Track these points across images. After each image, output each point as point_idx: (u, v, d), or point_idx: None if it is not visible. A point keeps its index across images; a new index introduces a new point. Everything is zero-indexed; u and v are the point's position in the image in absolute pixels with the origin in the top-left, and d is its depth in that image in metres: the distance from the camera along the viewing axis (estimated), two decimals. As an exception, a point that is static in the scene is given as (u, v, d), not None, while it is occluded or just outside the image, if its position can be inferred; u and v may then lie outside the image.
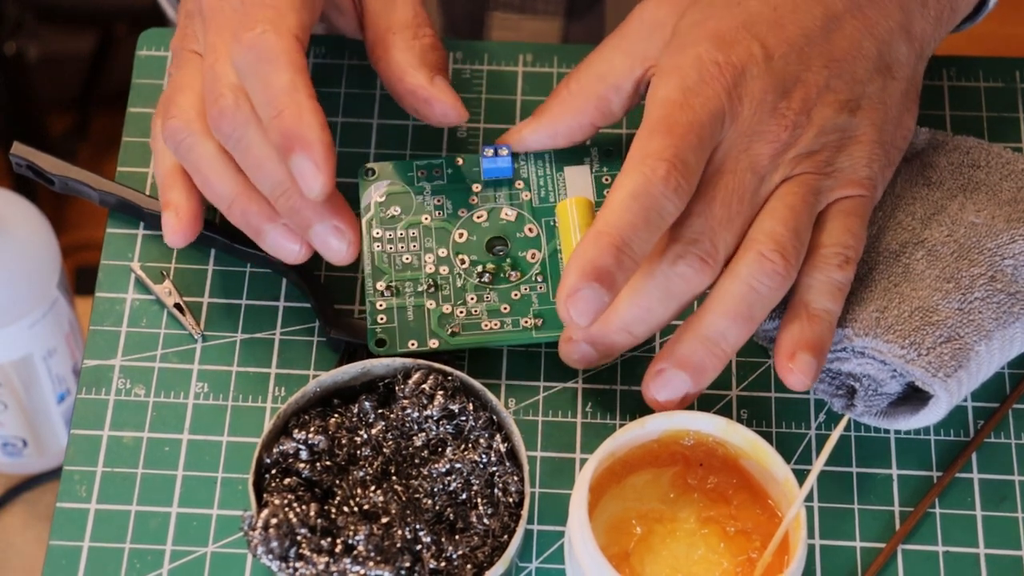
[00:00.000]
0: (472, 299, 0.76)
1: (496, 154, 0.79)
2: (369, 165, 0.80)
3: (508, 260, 0.77)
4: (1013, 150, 0.80)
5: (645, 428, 0.70)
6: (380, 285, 0.76)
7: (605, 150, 0.80)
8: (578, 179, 0.79)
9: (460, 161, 0.80)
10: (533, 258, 0.77)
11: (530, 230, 0.78)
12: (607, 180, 0.79)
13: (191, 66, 0.76)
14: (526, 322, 0.75)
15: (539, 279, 0.76)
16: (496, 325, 0.75)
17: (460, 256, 0.77)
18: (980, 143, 0.80)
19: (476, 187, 0.79)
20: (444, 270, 0.77)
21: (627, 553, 0.69)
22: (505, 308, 0.76)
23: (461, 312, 0.76)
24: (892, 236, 0.76)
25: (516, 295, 0.76)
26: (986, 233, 0.75)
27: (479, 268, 0.77)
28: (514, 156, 0.79)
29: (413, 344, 0.75)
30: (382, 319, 0.76)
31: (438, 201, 0.79)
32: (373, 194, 0.79)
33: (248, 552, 0.72)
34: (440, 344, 0.75)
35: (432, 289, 0.76)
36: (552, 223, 0.78)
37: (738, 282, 0.70)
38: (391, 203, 0.79)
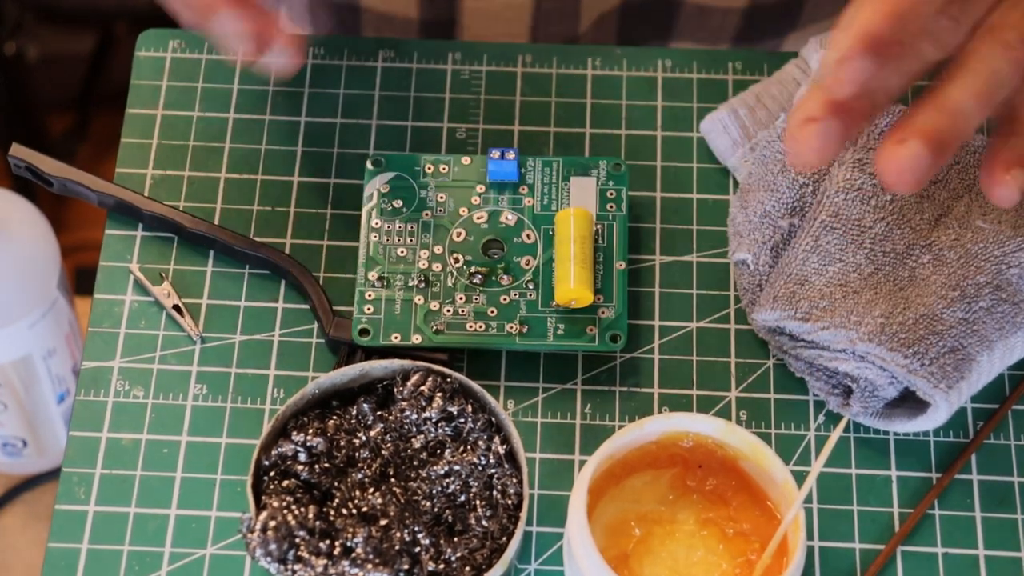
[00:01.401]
0: (461, 299, 0.76)
1: (503, 156, 0.78)
2: (377, 155, 0.80)
3: (502, 264, 0.77)
4: (1013, 151, 0.80)
5: (644, 430, 0.69)
6: (372, 275, 0.77)
7: (613, 163, 0.80)
8: (583, 190, 0.79)
9: (467, 160, 0.80)
10: (527, 264, 0.77)
11: (528, 236, 0.78)
12: (612, 195, 0.79)
13: None
14: (511, 328, 0.75)
15: (530, 286, 0.76)
16: (480, 327, 0.75)
17: (455, 255, 0.77)
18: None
19: (480, 188, 0.79)
20: (437, 267, 0.77)
21: (626, 555, 0.69)
22: (492, 311, 0.76)
23: (448, 311, 0.76)
24: (900, 235, 0.75)
25: (505, 299, 0.76)
26: (993, 239, 0.75)
27: (472, 269, 0.77)
28: (521, 160, 0.79)
29: (396, 337, 0.75)
30: (368, 309, 0.76)
31: (441, 198, 0.79)
32: (377, 184, 0.79)
33: (247, 554, 0.72)
34: (423, 340, 0.75)
35: (422, 285, 0.76)
36: (551, 232, 0.78)
37: (982, 63, 0.67)
38: (394, 195, 0.79)
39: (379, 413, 0.71)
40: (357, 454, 0.70)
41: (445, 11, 0.96)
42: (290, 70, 0.74)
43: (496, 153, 0.79)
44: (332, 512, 0.69)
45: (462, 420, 0.70)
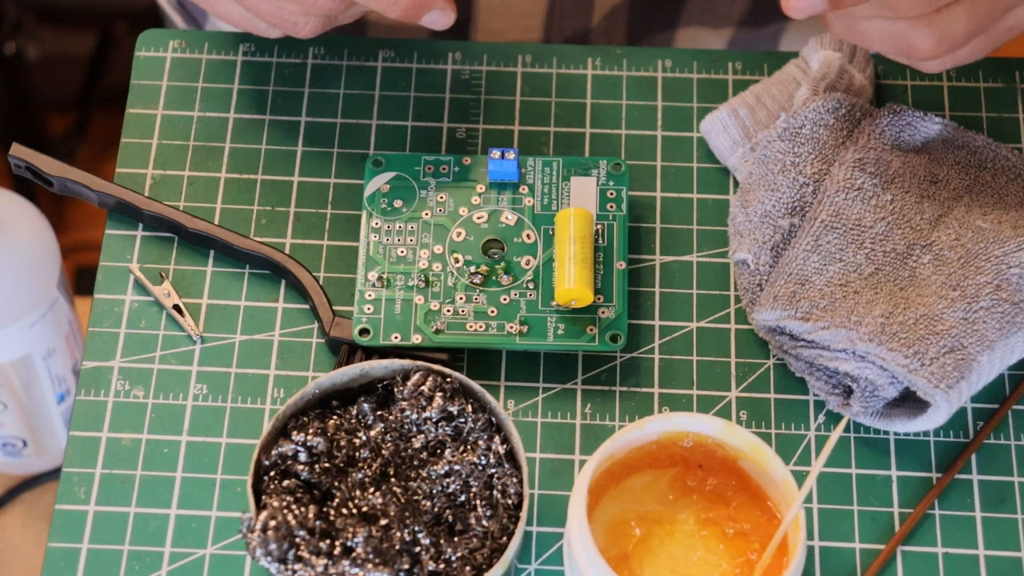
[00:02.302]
0: (461, 299, 0.76)
1: (503, 156, 0.79)
2: (377, 155, 0.80)
3: (502, 264, 0.77)
4: (1014, 150, 0.80)
5: (644, 430, 0.69)
6: (372, 275, 0.77)
7: (613, 163, 0.80)
8: (583, 190, 0.79)
9: (467, 160, 0.80)
10: (527, 264, 0.77)
11: (528, 236, 0.78)
12: (612, 194, 0.79)
13: None
14: (511, 327, 0.75)
15: (530, 286, 0.76)
16: (481, 327, 0.75)
17: (455, 255, 0.77)
18: (988, 142, 0.80)
19: (480, 188, 0.79)
20: (437, 267, 0.77)
21: (626, 555, 0.69)
22: (492, 311, 0.76)
23: (448, 311, 0.76)
24: (900, 235, 0.76)
25: (505, 299, 0.76)
26: (993, 239, 0.75)
27: (472, 268, 0.77)
28: (521, 160, 0.79)
29: (396, 337, 0.75)
30: (368, 309, 0.76)
31: (441, 198, 0.79)
32: (377, 184, 0.79)
33: (247, 554, 0.72)
34: (423, 340, 0.75)
35: (423, 285, 0.76)
36: (551, 232, 0.78)
37: None
38: (394, 195, 0.79)
39: (379, 413, 0.71)
40: (357, 454, 0.70)
41: (459, 11, 0.96)
42: (449, 22, 0.77)
43: (496, 153, 0.79)
44: (332, 512, 0.69)
45: (462, 420, 0.70)
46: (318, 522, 0.68)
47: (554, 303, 0.76)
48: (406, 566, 0.67)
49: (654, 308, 0.78)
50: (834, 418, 0.76)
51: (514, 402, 0.76)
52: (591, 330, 0.75)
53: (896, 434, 0.75)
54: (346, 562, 0.67)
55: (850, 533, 0.73)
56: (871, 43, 0.73)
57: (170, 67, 0.85)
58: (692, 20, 0.98)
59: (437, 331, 0.75)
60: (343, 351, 0.76)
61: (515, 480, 0.69)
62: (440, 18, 0.76)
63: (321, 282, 0.79)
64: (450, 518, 0.69)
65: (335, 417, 0.71)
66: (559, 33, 0.96)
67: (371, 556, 0.67)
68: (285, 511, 0.68)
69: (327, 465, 0.70)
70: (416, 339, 0.75)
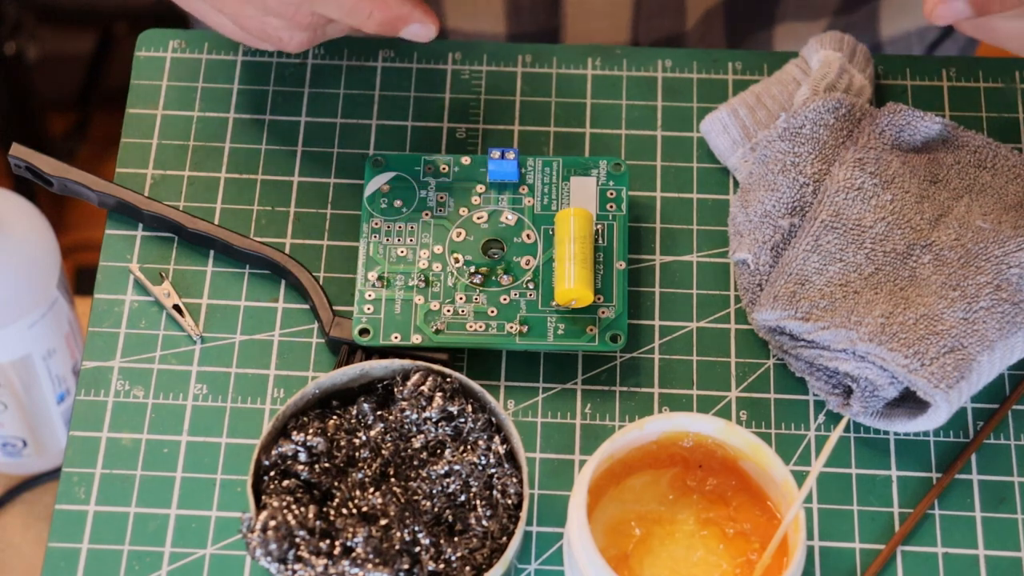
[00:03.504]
0: (461, 299, 0.76)
1: (503, 156, 0.79)
2: (377, 155, 0.80)
3: (502, 264, 0.77)
4: (1014, 150, 0.80)
5: (644, 430, 0.69)
6: (372, 275, 0.77)
7: (613, 163, 0.80)
8: (583, 190, 0.79)
9: (467, 160, 0.80)
10: (527, 264, 0.77)
11: (528, 236, 0.78)
12: (612, 194, 0.79)
13: None
14: (511, 327, 0.75)
15: (530, 286, 0.76)
16: (481, 327, 0.75)
17: (455, 255, 0.77)
18: (988, 142, 0.80)
19: (480, 188, 0.79)
20: (437, 267, 0.77)
21: (626, 555, 0.69)
22: (492, 311, 0.76)
23: (448, 311, 0.76)
24: (900, 235, 0.76)
25: (505, 299, 0.76)
26: (993, 239, 0.75)
27: (472, 268, 0.77)
28: (521, 160, 0.79)
29: (396, 337, 0.75)
30: (368, 309, 0.76)
31: (441, 198, 0.79)
32: (377, 184, 0.79)
33: (247, 554, 0.72)
34: (423, 340, 0.75)
35: (423, 285, 0.76)
36: (551, 232, 0.78)
37: None
38: (394, 195, 0.79)
39: (379, 413, 0.71)
40: (357, 454, 0.70)
41: (542, 20, 0.95)
42: (431, 35, 0.77)
43: (496, 153, 0.79)
44: (332, 512, 0.69)
45: (462, 420, 0.70)
46: (318, 522, 0.68)
47: (554, 303, 0.76)
48: (406, 566, 0.67)
49: (654, 308, 0.78)
50: (834, 418, 0.76)
51: (514, 402, 0.76)
52: (591, 330, 0.76)
53: (896, 434, 0.75)
54: (346, 562, 0.67)
55: (850, 533, 0.73)
56: (1005, 42, 0.73)
57: (170, 67, 0.85)
58: (788, 15, 0.98)
59: (437, 331, 0.75)
60: (343, 351, 0.76)
61: (515, 480, 0.69)
62: (421, 31, 0.76)
63: (321, 282, 0.79)
64: (450, 518, 0.69)
65: (335, 417, 0.71)
66: (648, 34, 0.96)
67: (371, 556, 0.67)
68: (285, 511, 0.68)
69: (327, 465, 0.70)
70: (416, 339, 0.75)
